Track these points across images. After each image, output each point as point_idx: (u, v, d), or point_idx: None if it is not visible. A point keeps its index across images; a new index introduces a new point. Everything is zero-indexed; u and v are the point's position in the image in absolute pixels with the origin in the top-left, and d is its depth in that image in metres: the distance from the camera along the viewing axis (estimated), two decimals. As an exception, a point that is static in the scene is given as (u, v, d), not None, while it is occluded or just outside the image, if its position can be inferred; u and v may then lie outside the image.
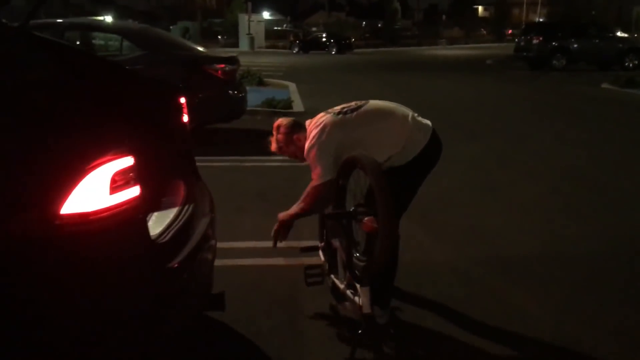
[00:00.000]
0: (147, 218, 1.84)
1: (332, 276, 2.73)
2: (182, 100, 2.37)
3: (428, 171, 2.67)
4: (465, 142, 6.91)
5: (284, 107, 9.40)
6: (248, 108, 7.85)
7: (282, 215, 2.73)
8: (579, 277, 3.32)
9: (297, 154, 2.75)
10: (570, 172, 5.81)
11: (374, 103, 2.67)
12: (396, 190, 2.36)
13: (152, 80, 2.79)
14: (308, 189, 2.62)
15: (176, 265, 1.84)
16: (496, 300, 3.04)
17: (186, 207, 2.18)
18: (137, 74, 2.62)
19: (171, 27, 31.37)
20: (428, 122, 2.66)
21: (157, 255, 1.80)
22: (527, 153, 6.65)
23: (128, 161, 1.64)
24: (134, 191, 1.65)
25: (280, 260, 3.39)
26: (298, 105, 9.97)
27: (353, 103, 2.66)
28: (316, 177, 2.57)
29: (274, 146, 2.79)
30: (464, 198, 4.95)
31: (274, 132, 2.78)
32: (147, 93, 2.24)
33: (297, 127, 2.75)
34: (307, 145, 2.59)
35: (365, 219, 2.27)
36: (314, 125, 2.62)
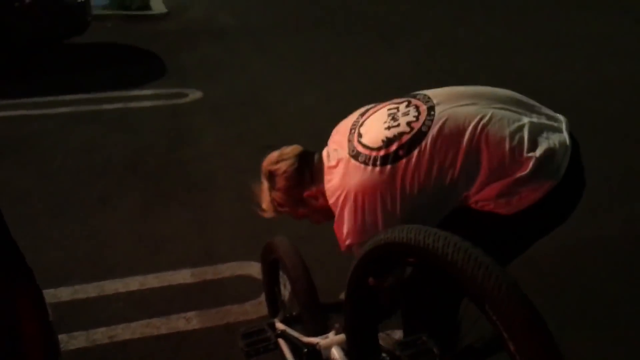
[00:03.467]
0: None
1: None
2: None
3: (552, 229, 1.30)
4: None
5: (140, 7, 7.38)
6: (93, 13, 5.89)
7: None
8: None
9: (314, 217, 1.47)
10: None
11: (448, 112, 1.21)
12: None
13: None
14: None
15: None
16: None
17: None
18: None
19: None
20: (563, 134, 1.23)
21: None
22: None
23: None
24: None
25: (182, 322, 2.16)
26: (158, 4, 7.94)
27: (400, 117, 1.23)
28: (344, 240, 1.28)
29: (268, 211, 1.47)
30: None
31: (264, 184, 1.44)
32: None
33: (306, 172, 1.38)
34: (347, 225, 1.24)
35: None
36: (336, 184, 1.27)
